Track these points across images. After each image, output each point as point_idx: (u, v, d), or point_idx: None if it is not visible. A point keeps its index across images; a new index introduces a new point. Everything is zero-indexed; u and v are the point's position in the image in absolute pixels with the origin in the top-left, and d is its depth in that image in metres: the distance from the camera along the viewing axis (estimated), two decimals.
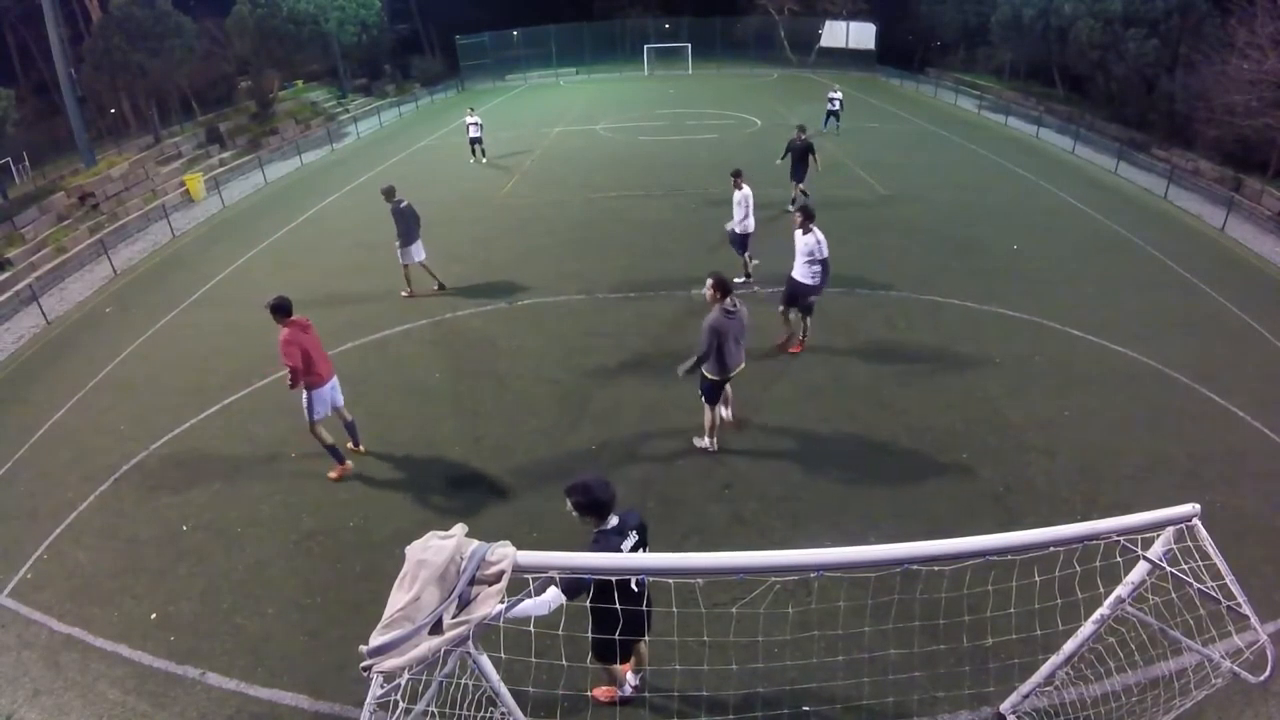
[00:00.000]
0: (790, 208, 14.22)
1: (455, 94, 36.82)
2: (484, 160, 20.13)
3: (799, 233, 8.38)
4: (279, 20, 26.62)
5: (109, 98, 24.91)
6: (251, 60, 27.42)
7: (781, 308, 9.04)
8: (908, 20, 37.59)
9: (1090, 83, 25.72)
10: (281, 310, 6.50)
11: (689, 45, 38.81)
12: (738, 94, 31.41)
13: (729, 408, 7.62)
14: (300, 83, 33.57)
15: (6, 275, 13.50)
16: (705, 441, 7.33)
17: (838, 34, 38.66)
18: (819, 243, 8.21)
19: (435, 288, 11.25)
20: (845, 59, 38.46)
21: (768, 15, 40.73)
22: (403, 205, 10.50)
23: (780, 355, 9.07)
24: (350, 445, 7.41)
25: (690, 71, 38.07)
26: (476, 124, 19.81)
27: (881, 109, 27.90)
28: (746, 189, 10.34)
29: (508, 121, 27.20)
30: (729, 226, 10.65)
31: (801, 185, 14.51)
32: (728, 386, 7.13)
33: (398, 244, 10.66)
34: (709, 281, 6.51)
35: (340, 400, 7.09)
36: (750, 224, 10.51)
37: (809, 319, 9.00)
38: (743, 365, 6.87)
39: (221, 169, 21.31)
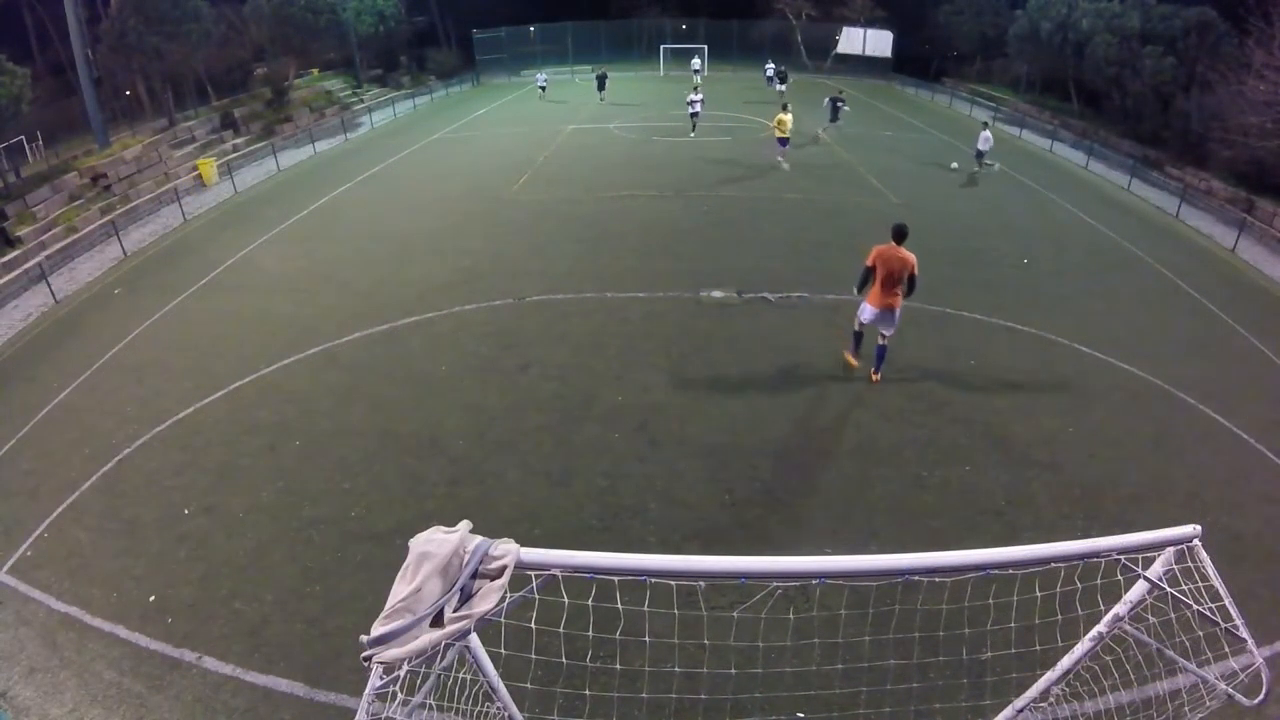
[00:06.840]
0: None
1: (470, 88, 36.86)
2: (691, 135, 22.59)
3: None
4: (296, 8, 26.70)
5: (125, 80, 24.97)
6: (268, 47, 27.48)
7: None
8: (925, 29, 37.45)
9: (1106, 98, 25.59)
10: None
11: (705, 47, 38.73)
12: (752, 96, 31.33)
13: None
14: (316, 71, 33.58)
15: (16, 253, 13.57)
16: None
17: (855, 41, 38.57)
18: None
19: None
20: (860, 66, 38.37)
21: (784, 19, 40.67)
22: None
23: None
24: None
25: (706, 72, 37.98)
26: (699, 100, 22.88)
27: (896, 117, 27.84)
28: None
29: (521, 118, 27.24)
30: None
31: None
32: None
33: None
34: None
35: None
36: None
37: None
38: None
39: (235, 154, 21.38)
